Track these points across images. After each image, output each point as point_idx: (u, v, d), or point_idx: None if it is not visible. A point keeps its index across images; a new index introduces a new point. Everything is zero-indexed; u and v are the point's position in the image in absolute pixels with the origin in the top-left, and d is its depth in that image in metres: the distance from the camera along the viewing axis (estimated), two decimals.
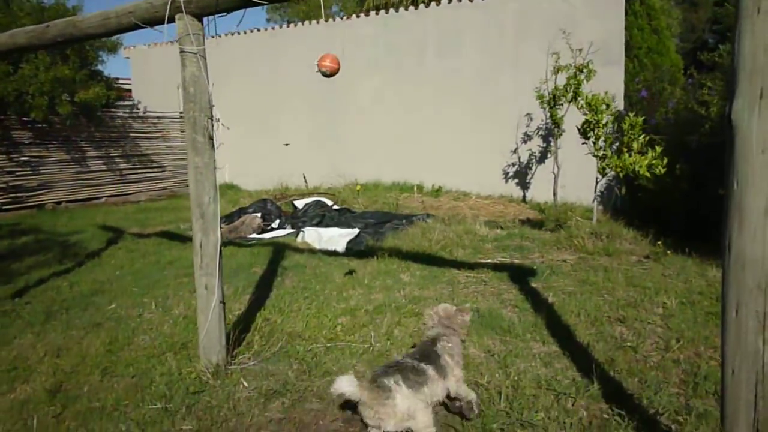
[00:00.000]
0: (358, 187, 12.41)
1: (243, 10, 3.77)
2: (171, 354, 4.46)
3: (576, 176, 10.14)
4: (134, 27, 4.20)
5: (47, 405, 3.80)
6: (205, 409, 3.66)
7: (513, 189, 11.95)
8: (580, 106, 8.49)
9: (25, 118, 12.15)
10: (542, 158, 11.53)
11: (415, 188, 12.50)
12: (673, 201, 7.95)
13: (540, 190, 11.31)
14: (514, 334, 4.63)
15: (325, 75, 3.48)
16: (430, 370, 3.20)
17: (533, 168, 11.70)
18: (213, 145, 4.02)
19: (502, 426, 3.32)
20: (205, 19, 4.02)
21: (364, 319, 5.12)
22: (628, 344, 4.38)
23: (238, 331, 4.67)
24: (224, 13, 3.83)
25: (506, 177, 12.05)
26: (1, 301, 6.20)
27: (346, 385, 2.87)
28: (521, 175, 11.87)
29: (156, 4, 3.95)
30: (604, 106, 7.93)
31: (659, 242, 7.10)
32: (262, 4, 3.60)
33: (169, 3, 3.84)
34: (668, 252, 6.85)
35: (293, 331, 4.86)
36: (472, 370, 4.01)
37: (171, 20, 3.95)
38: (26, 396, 3.96)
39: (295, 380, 4.00)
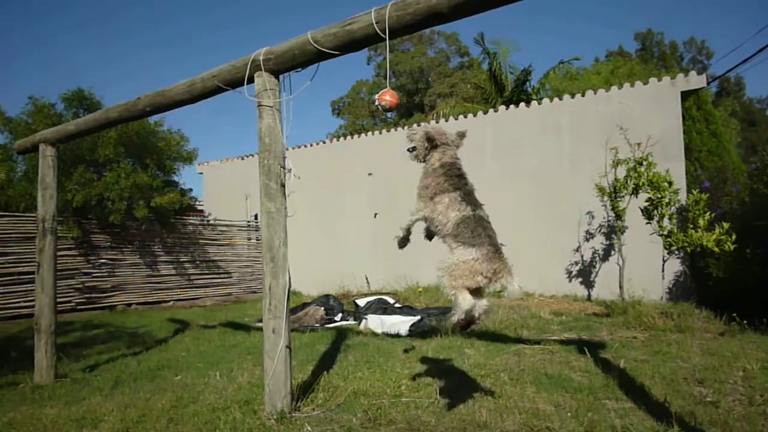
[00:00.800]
0: (420, 290, 12.41)
1: (317, 64, 4.08)
2: (235, 407, 4.46)
3: (642, 270, 9.93)
4: (217, 90, 4.59)
5: None
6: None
7: (577, 288, 11.74)
8: (642, 183, 8.45)
9: (103, 222, 12.84)
10: (606, 256, 11.37)
11: None
12: (746, 287, 7.67)
13: (605, 288, 11.06)
14: (585, 392, 4.46)
15: (385, 109, 3.68)
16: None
17: (597, 266, 11.53)
18: (285, 192, 4.23)
19: None
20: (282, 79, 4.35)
21: (429, 380, 5.03)
22: (708, 400, 4.16)
23: (301, 390, 4.66)
24: (299, 69, 4.16)
25: (569, 276, 11.87)
26: (72, 373, 6.37)
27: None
28: (585, 274, 11.69)
29: (238, 65, 4.33)
30: (666, 184, 7.90)
31: (734, 322, 6.80)
32: (335, 56, 3.91)
33: (250, 63, 4.22)
34: (746, 329, 6.55)
35: (357, 389, 4.81)
36: (542, 419, 3.87)
37: (250, 80, 4.31)
38: None
39: (359, 427, 3.94)
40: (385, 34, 3.60)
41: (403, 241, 4.07)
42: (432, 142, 3.90)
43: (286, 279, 4.16)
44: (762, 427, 3.65)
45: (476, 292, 3.27)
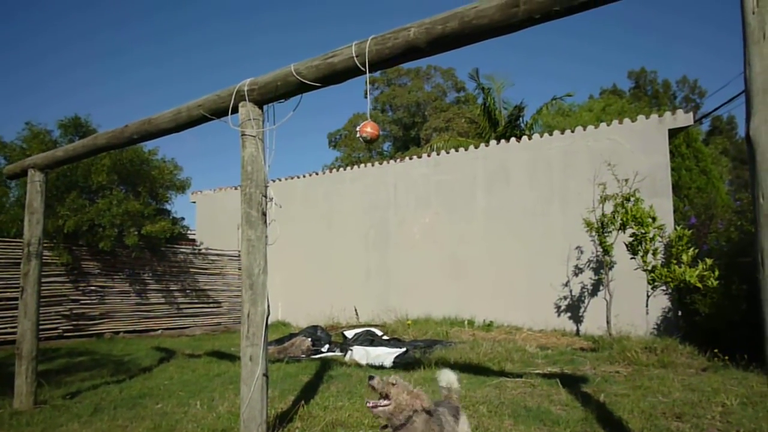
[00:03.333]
0: (409, 322, 12.40)
1: (300, 95, 4.17)
2: None
3: (629, 305, 9.98)
4: (202, 119, 4.66)
5: None
6: None
7: (566, 322, 11.73)
8: (628, 219, 8.51)
9: (94, 249, 12.83)
10: (594, 291, 11.40)
11: (466, 323, 12.38)
12: (732, 322, 7.69)
13: (593, 323, 11.06)
14: (563, 426, 4.45)
15: (365, 141, 3.75)
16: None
17: (585, 301, 11.54)
18: (266, 221, 4.27)
19: None
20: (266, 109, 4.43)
21: None
22: None
23: (278, 420, 4.65)
24: (282, 99, 4.24)
25: (558, 310, 11.88)
26: (53, 400, 6.32)
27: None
28: (573, 309, 11.69)
29: (222, 95, 4.42)
30: (650, 219, 7.97)
31: (717, 357, 6.81)
32: (316, 87, 3.99)
33: (234, 93, 4.30)
34: (729, 365, 6.55)
35: (336, 419, 4.80)
36: None
37: (235, 110, 4.38)
38: None
39: None
40: (365, 67, 3.69)
41: None
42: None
43: (265, 306, 4.18)
44: None
45: None
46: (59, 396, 6.50)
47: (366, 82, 4.03)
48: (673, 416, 4.66)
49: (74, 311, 12.57)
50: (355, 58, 3.69)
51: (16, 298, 7.04)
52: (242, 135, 4.27)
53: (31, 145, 12.12)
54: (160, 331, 14.17)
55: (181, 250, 15.28)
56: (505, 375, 6.58)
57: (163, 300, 14.42)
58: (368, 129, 3.72)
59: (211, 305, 15.67)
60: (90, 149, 5.79)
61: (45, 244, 7.62)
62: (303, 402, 5.35)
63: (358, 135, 3.75)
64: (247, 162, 4.25)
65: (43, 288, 6.82)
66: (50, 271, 11.90)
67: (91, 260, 13.04)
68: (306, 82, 3.94)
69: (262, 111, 4.35)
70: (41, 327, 6.81)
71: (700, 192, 13.71)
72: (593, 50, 65.22)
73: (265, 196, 4.28)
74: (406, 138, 38.86)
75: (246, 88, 4.23)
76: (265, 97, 4.23)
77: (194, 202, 19.32)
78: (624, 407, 4.91)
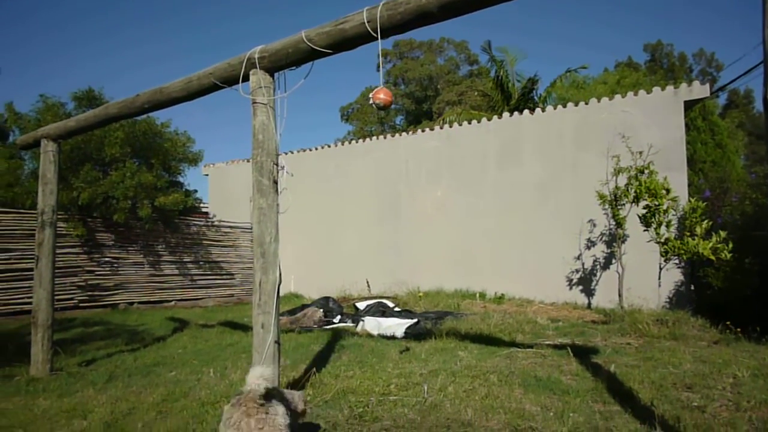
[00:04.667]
0: (420, 294, 12.43)
1: (311, 62, 4.13)
2: (224, 401, 4.47)
3: (641, 279, 9.94)
4: (213, 87, 4.65)
5: None
6: None
7: (577, 296, 11.72)
8: (641, 191, 8.43)
9: (108, 221, 12.93)
10: (606, 264, 11.36)
11: (477, 296, 12.40)
12: (744, 296, 7.66)
13: (605, 297, 11.05)
14: (572, 395, 4.47)
15: (379, 107, 3.72)
16: None
17: (597, 274, 11.51)
18: (277, 189, 4.27)
19: None
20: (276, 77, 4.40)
21: (419, 379, 5.06)
22: (695, 405, 4.16)
23: (290, 387, 4.70)
24: (294, 67, 4.21)
25: (570, 284, 11.86)
26: (68, 367, 6.42)
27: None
28: (585, 282, 11.67)
29: (233, 63, 4.39)
30: (664, 191, 7.90)
31: (728, 331, 6.79)
32: (327, 54, 3.96)
33: (245, 60, 4.28)
34: (740, 338, 6.53)
35: (347, 387, 4.84)
36: (527, 419, 3.88)
37: (246, 78, 4.36)
38: (82, 428, 4.05)
39: (344, 423, 3.97)
40: (376, 33, 3.65)
41: None
42: None
43: (276, 275, 4.20)
44: None
45: None
46: (75, 364, 6.62)
47: (378, 53, 4.00)
48: (684, 387, 4.66)
49: (89, 282, 12.71)
50: (366, 24, 3.65)
51: (31, 269, 7.15)
52: (253, 103, 4.25)
53: (45, 116, 12.14)
54: (173, 303, 14.32)
55: (194, 222, 15.37)
56: (516, 346, 6.61)
57: (176, 272, 14.55)
58: (381, 95, 3.69)
59: (224, 277, 15.80)
60: (102, 119, 5.80)
61: (60, 216, 7.70)
62: (315, 370, 5.40)
63: (371, 101, 3.72)
64: (258, 130, 4.23)
65: (58, 259, 6.89)
66: (65, 242, 12.00)
67: (106, 232, 13.15)
68: (317, 48, 3.91)
69: (273, 79, 4.32)
70: (57, 297, 6.89)
71: (715, 166, 13.58)
72: (609, 23, 64.33)
73: (276, 165, 4.27)
74: (419, 112, 38.60)
75: (257, 56, 4.20)
76: (276, 64, 4.20)
77: (207, 175, 19.38)
78: (634, 378, 4.92)
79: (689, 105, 11.14)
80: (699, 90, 10.67)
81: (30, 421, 4.29)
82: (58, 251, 6.73)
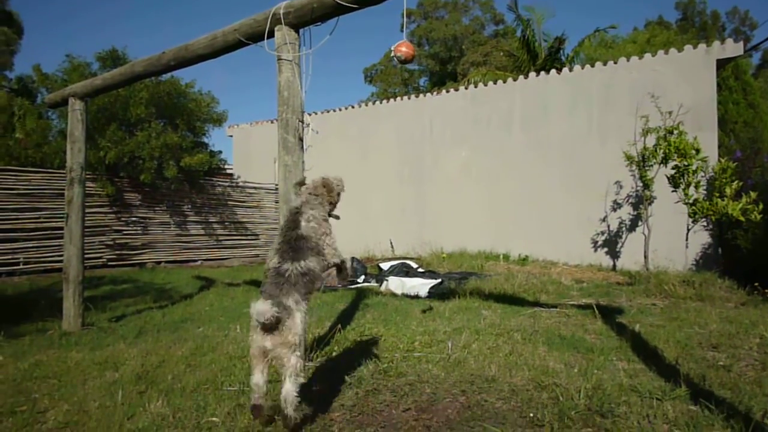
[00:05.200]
0: (444, 255, 12.46)
1: (336, 18, 4.09)
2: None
3: (668, 241, 9.85)
4: (239, 44, 4.62)
5: (133, 385, 3.98)
6: (278, 393, 3.71)
7: (602, 258, 11.67)
8: (671, 152, 8.29)
9: (135, 181, 13.10)
10: (632, 226, 11.26)
11: (501, 257, 12.39)
12: None
13: (630, 259, 10.98)
14: (597, 353, 4.47)
15: (400, 60, 3.67)
16: (313, 263, 3.11)
17: (623, 236, 11.43)
18: (302, 146, 4.27)
19: (580, 413, 3.20)
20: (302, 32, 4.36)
21: (443, 337, 5.10)
22: (721, 364, 4.15)
23: (316, 343, 4.77)
24: (319, 23, 4.17)
25: (595, 246, 11.80)
26: (99, 322, 6.58)
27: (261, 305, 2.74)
28: (611, 244, 11.60)
29: (258, 19, 4.36)
30: (693, 151, 7.76)
31: (756, 292, 6.72)
32: (353, 9, 3.91)
33: (270, 16, 4.24)
34: None
35: (372, 344, 4.89)
36: (550, 375, 3.90)
37: (271, 34, 4.33)
38: (114, 379, 4.16)
39: (369, 378, 4.01)
40: None
41: None
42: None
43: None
44: None
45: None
46: (105, 319, 6.77)
47: (404, 10, 3.94)
48: (709, 346, 4.65)
49: (117, 241, 12.95)
50: None
51: (61, 228, 7.32)
52: (278, 60, 4.22)
53: (71, 76, 12.24)
54: (199, 262, 14.56)
55: (219, 183, 15.52)
56: (540, 305, 6.62)
57: (202, 232, 14.77)
58: (403, 48, 3.65)
59: (249, 237, 15.99)
60: (128, 77, 5.82)
61: (88, 176, 7.80)
62: (339, 327, 5.47)
63: (392, 54, 3.68)
64: (283, 87, 4.22)
65: (87, 218, 7.00)
66: (93, 202, 12.21)
67: (133, 192, 13.34)
68: (342, 3, 3.85)
69: (298, 35, 4.29)
70: (86, 256, 7.02)
71: (747, 126, 13.27)
72: None
73: (302, 122, 4.27)
74: (443, 73, 38.13)
75: (282, 11, 4.16)
76: (301, 20, 4.15)
77: (231, 136, 19.44)
78: (659, 337, 4.91)
79: (721, 64, 10.88)
80: (732, 48, 10.40)
81: (64, 372, 4.41)
82: (86, 211, 6.84)
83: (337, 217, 3.70)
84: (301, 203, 3.40)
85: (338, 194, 3.73)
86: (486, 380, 3.88)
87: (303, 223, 3.26)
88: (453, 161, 14.00)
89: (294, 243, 3.16)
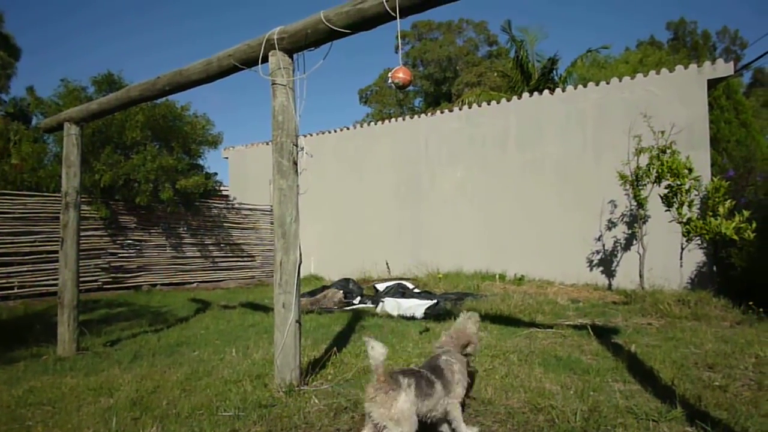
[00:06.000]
0: (440, 275, 12.46)
1: (330, 43, 4.13)
2: (247, 380, 4.56)
3: (663, 259, 9.90)
4: (233, 69, 4.66)
5: (127, 411, 3.95)
6: (275, 418, 3.70)
7: (598, 277, 11.68)
8: (664, 171, 8.35)
9: (130, 204, 13.10)
10: (627, 245, 11.29)
11: (497, 277, 12.40)
12: None
13: (626, 278, 11.01)
14: (593, 374, 4.47)
15: (398, 86, 3.71)
16: (439, 385, 3.13)
17: (618, 255, 11.45)
18: (297, 170, 4.29)
19: None
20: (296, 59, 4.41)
21: None
22: (717, 384, 4.14)
23: (311, 366, 4.76)
24: (312, 48, 4.21)
25: (590, 265, 11.81)
26: (94, 347, 6.54)
27: (379, 350, 2.90)
28: (606, 263, 11.62)
29: (252, 44, 4.40)
30: (686, 171, 7.81)
31: (751, 311, 6.73)
32: (346, 34, 3.95)
33: (264, 42, 4.28)
34: (764, 318, 6.48)
35: (367, 366, 4.87)
36: (547, 397, 3.90)
37: (265, 59, 4.37)
38: (109, 405, 4.13)
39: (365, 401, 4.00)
40: (395, 12, 3.63)
41: None
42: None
43: (297, 255, 4.24)
44: None
45: None
46: (100, 344, 6.73)
47: (398, 33, 3.99)
48: (705, 366, 4.65)
49: (112, 264, 12.91)
50: (384, 3, 3.63)
51: (56, 251, 7.32)
52: (272, 84, 4.26)
53: (66, 101, 12.29)
54: (195, 284, 14.52)
55: (215, 204, 15.53)
56: (536, 326, 6.61)
57: (198, 254, 14.74)
58: (400, 74, 3.68)
59: (245, 259, 15.97)
60: (123, 101, 5.85)
61: (83, 199, 7.82)
62: (335, 350, 5.45)
63: (389, 81, 3.72)
64: (278, 111, 4.25)
65: (82, 241, 6.99)
66: (89, 225, 12.19)
67: (128, 215, 13.33)
68: (336, 29, 3.90)
69: (292, 60, 4.33)
70: (81, 279, 7.00)
71: (739, 145, 13.34)
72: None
73: (296, 146, 4.29)
74: (438, 93, 38.39)
75: (276, 37, 4.20)
76: (295, 45, 4.20)
77: (226, 158, 19.51)
78: (655, 357, 4.91)
79: (713, 83, 10.99)
80: (723, 68, 10.51)
81: (58, 398, 4.39)
82: (81, 234, 6.82)
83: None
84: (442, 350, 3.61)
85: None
86: (482, 403, 3.87)
87: (442, 358, 3.46)
88: (449, 181, 14.05)
89: (434, 365, 3.38)
